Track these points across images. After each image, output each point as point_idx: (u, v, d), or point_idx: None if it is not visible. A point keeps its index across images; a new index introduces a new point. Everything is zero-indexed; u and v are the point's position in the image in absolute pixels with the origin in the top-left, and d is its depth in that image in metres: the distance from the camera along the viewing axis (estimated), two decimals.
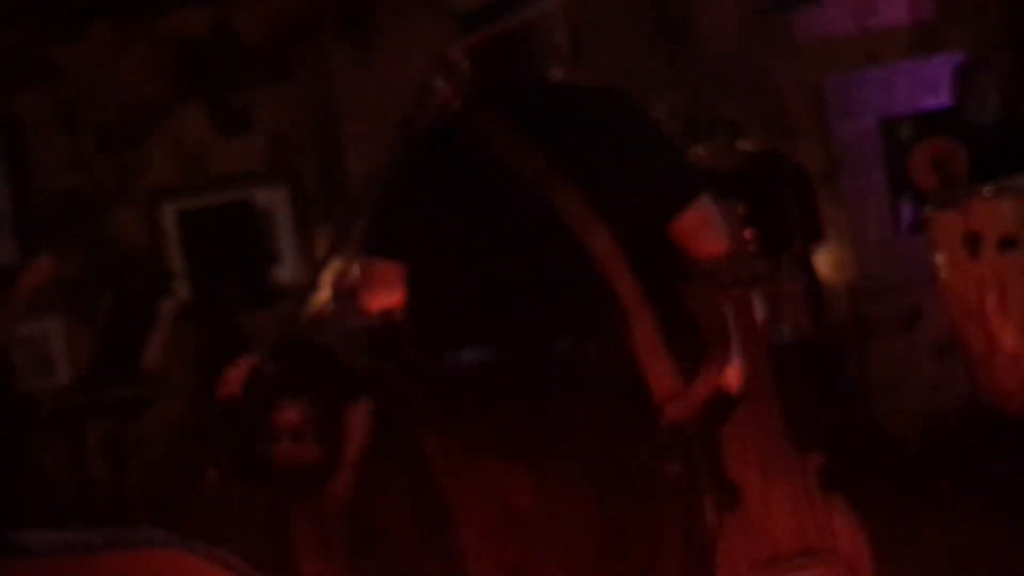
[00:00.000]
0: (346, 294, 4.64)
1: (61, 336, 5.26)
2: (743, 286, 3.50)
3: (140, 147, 5.74)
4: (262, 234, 5.62)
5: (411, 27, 5.33)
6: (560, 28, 2.23)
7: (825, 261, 5.32)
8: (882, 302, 5.36)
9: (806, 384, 4.39)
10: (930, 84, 5.47)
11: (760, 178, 4.63)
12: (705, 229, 2.20)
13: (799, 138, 5.49)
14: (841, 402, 4.93)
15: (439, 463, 2.21)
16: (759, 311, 3.69)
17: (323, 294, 4.35)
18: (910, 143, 5.28)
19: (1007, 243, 4.06)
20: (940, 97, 5.37)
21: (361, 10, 5.31)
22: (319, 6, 5.39)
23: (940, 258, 4.25)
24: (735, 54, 5.57)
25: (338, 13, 5.32)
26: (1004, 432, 4.20)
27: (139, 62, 5.77)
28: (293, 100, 5.72)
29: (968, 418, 4.54)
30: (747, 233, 3.49)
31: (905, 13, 5.58)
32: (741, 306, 3.49)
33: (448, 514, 2.29)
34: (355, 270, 3.79)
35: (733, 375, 3.34)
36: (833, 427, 4.78)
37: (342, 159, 5.36)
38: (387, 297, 2.28)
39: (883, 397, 5.00)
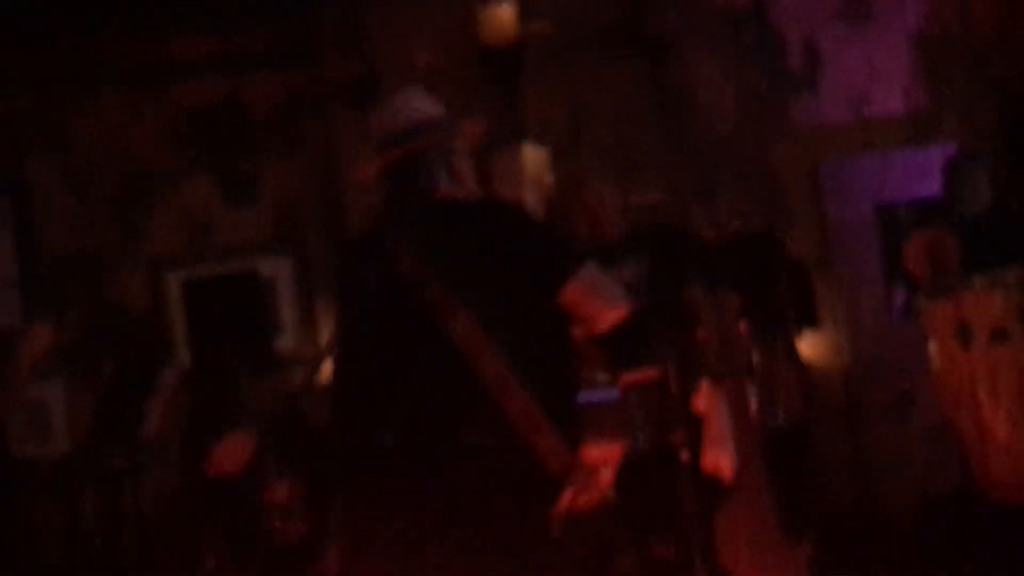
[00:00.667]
0: None
1: (61, 401, 5.28)
2: (736, 376, 3.56)
3: (147, 214, 5.81)
4: (265, 304, 5.67)
5: None
6: (460, 152, 2.50)
7: (819, 346, 5.37)
8: (876, 387, 5.39)
9: (799, 470, 4.42)
10: (924, 173, 5.55)
11: (755, 263, 4.70)
12: (593, 296, 2.37)
13: (795, 222, 5.57)
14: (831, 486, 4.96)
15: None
16: (752, 400, 3.75)
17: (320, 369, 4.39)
18: (905, 230, 5.35)
19: (999, 335, 4.10)
20: (934, 186, 5.44)
21: (367, 84, 5.42)
22: (326, 80, 5.50)
23: (933, 347, 4.30)
24: (733, 137, 5.67)
25: (345, 87, 5.43)
26: (996, 520, 4.21)
27: (149, 131, 5.87)
28: (299, 172, 5.81)
29: (961, 505, 4.55)
30: (741, 324, 3.56)
31: (900, 103, 5.69)
32: (734, 396, 3.56)
33: None
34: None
35: (726, 463, 3.38)
36: (826, 511, 4.80)
37: (347, 231, 5.43)
38: None
39: (877, 481, 5.01)
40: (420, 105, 2.48)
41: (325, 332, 5.68)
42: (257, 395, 5.34)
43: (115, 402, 4.65)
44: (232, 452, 4.30)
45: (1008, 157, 5.33)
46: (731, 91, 5.73)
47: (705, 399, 3.72)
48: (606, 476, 2.27)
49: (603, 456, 2.27)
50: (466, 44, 5.35)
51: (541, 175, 4.79)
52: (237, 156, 5.83)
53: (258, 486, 4.24)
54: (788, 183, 5.64)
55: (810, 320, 4.64)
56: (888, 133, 5.66)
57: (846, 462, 4.87)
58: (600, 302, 2.37)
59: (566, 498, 2.20)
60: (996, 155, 5.35)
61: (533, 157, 4.42)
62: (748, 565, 3.55)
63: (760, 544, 3.53)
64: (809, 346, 5.12)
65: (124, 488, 4.88)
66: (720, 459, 3.61)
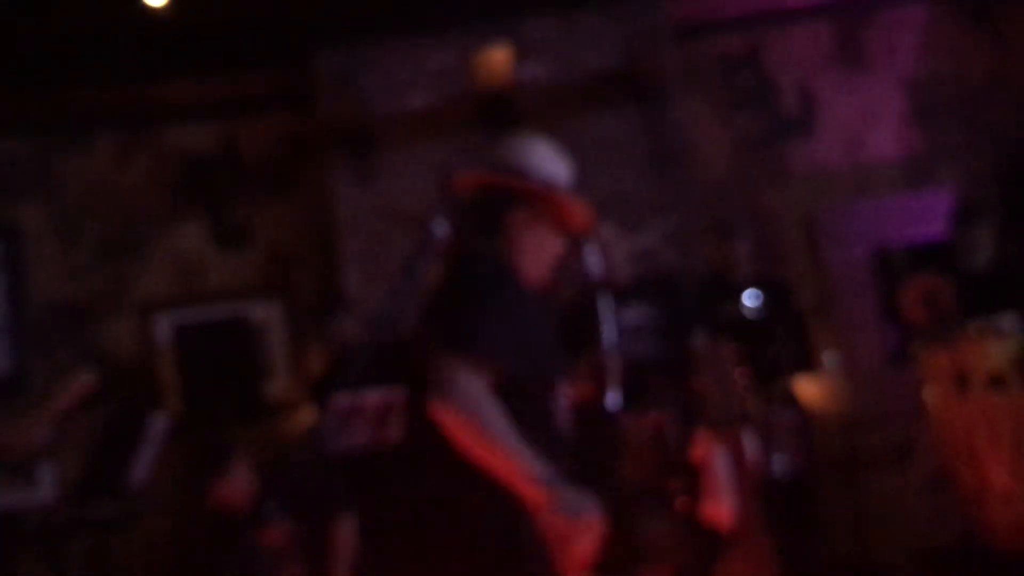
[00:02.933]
0: (341, 414, 4.63)
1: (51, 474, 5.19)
2: (734, 424, 3.52)
3: (138, 259, 5.78)
4: (256, 349, 5.62)
5: (408, 150, 5.43)
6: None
7: (817, 392, 5.32)
8: (875, 434, 5.34)
9: (798, 519, 4.36)
10: (920, 216, 5.56)
11: (765, 309, 4.66)
12: None
13: (792, 267, 5.55)
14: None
15: None
16: (750, 449, 3.70)
17: (310, 413, 4.34)
18: (901, 274, 5.33)
19: (995, 382, 4.07)
20: (930, 229, 5.45)
21: (361, 133, 5.41)
22: (320, 127, 5.49)
23: (930, 394, 4.26)
24: (729, 183, 5.67)
25: (339, 135, 5.42)
26: (998, 571, 4.16)
27: (142, 175, 5.85)
28: (292, 217, 5.79)
29: (961, 555, 4.49)
30: (739, 372, 3.52)
31: (895, 148, 5.70)
32: (732, 445, 3.51)
33: None
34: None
35: (725, 512, 3.32)
36: (825, 561, 4.73)
37: (339, 277, 5.39)
38: None
39: (876, 531, 4.95)
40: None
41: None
42: (246, 440, 5.29)
43: (103, 449, 4.58)
44: (236, 487, 4.25)
45: (1003, 202, 5.33)
46: (727, 136, 5.75)
47: (703, 447, 3.67)
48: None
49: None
50: (462, 89, 5.35)
51: None
52: (230, 201, 5.81)
53: (254, 529, 4.17)
54: (784, 228, 5.64)
55: (807, 366, 4.60)
56: (884, 177, 5.67)
57: (845, 511, 4.80)
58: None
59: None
60: (990, 201, 5.36)
61: None
62: None
63: None
64: (807, 392, 5.07)
65: (112, 537, 4.80)
66: (719, 508, 3.55)
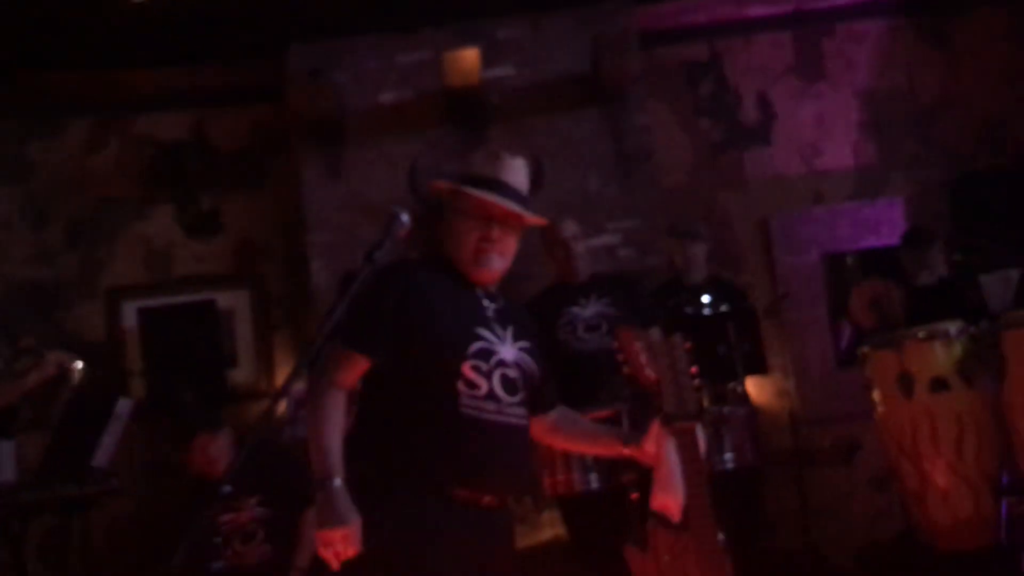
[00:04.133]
0: (297, 402, 4.71)
1: (11, 459, 5.20)
2: (687, 419, 3.62)
3: (107, 245, 5.82)
4: (222, 336, 5.67)
5: (377, 146, 5.52)
6: None
7: (767, 390, 5.48)
8: (822, 432, 5.50)
9: (746, 513, 4.49)
10: (872, 225, 5.73)
11: (718, 308, 4.81)
12: None
13: (746, 270, 5.70)
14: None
15: None
16: (702, 443, 3.81)
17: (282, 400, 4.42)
18: (851, 280, 5.50)
19: (939, 384, 4.22)
20: (881, 237, 5.62)
21: (331, 126, 5.48)
22: (292, 117, 5.56)
23: (876, 395, 4.41)
24: (688, 187, 5.81)
25: (309, 128, 5.49)
26: (936, 566, 4.30)
27: (112, 161, 5.89)
28: (261, 207, 5.86)
29: (902, 550, 4.64)
30: (693, 368, 3.63)
31: (849, 158, 5.86)
32: (685, 439, 3.61)
33: None
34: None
35: (674, 505, 3.44)
36: (771, 555, 4.87)
37: (306, 267, 5.47)
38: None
39: (821, 525, 5.10)
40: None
41: (281, 366, 5.71)
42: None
43: (67, 433, 4.61)
44: (218, 450, 4.31)
45: (952, 215, 5.50)
46: (688, 141, 5.89)
47: (656, 441, 3.77)
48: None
49: None
50: (431, 87, 5.45)
51: None
52: (199, 190, 5.85)
53: (224, 504, 4.23)
54: (740, 231, 5.78)
55: (758, 366, 4.73)
56: (838, 186, 5.83)
57: (791, 506, 4.95)
58: None
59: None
60: (940, 214, 5.54)
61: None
62: None
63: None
64: (757, 391, 5.22)
65: (72, 518, 4.84)
66: (669, 501, 3.66)
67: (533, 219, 2.59)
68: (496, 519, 2.51)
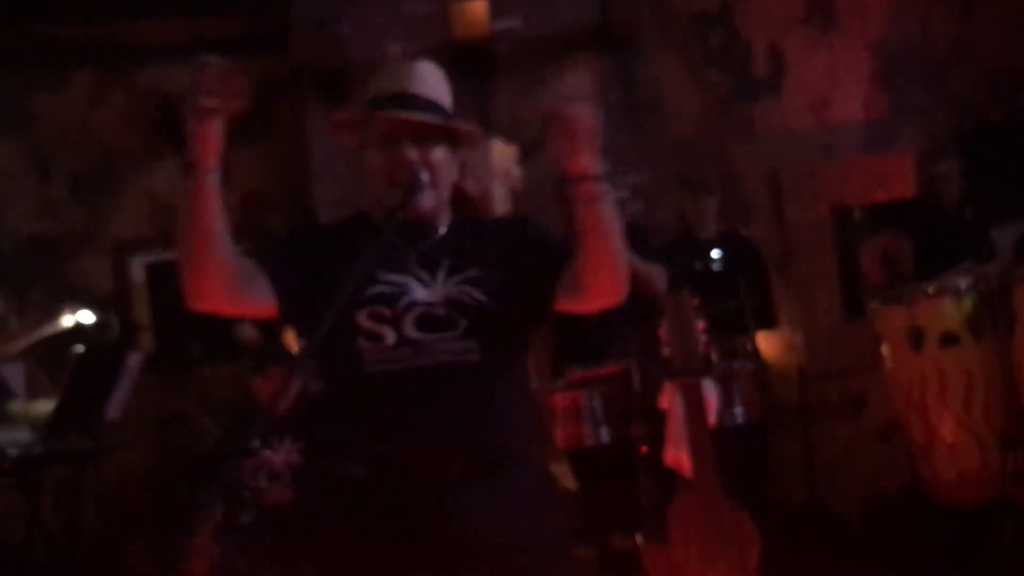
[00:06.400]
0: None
1: (21, 384, 5.26)
2: (694, 375, 3.64)
3: (112, 198, 5.80)
4: None
5: None
6: None
7: (776, 344, 5.48)
8: (830, 386, 5.52)
9: (753, 467, 4.52)
10: (882, 177, 5.70)
11: (727, 262, 4.79)
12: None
13: (756, 223, 5.68)
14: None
15: None
16: (711, 398, 3.83)
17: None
18: (861, 233, 5.49)
19: (948, 339, 4.23)
20: (891, 190, 5.59)
21: (336, 77, 5.44)
22: (297, 68, 5.51)
23: (885, 349, 4.42)
24: (698, 139, 5.77)
25: (315, 76, 5.45)
26: (940, 520, 4.35)
27: (116, 113, 5.85)
28: (268, 159, 5.83)
29: (906, 503, 4.68)
30: (700, 324, 3.64)
31: (860, 111, 5.82)
32: (692, 393, 3.64)
33: None
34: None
35: (686, 459, 3.44)
36: (776, 507, 4.91)
37: (313, 218, 5.45)
38: None
39: (827, 478, 5.13)
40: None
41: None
42: (218, 380, 5.37)
43: (78, 387, 4.65)
44: (285, 383, 4.31)
45: (964, 167, 5.46)
46: (697, 93, 5.84)
47: (667, 395, 3.79)
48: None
49: None
50: (438, 38, 5.39)
51: (509, 170, 4.85)
52: None
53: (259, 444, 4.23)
54: (749, 184, 5.76)
55: (768, 320, 4.74)
56: (848, 139, 5.79)
57: (798, 460, 4.98)
58: None
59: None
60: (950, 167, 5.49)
61: (502, 152, 4.47)
62: (699, 560, 3.63)
63: (711, 540, 3.62)
64: (765, 345, 5.22)
65: (85, 470, 4.89)
66: (681, 455, 3.69)
67: (458, 127, 2.16)
68: (442, 493, 2.04)
